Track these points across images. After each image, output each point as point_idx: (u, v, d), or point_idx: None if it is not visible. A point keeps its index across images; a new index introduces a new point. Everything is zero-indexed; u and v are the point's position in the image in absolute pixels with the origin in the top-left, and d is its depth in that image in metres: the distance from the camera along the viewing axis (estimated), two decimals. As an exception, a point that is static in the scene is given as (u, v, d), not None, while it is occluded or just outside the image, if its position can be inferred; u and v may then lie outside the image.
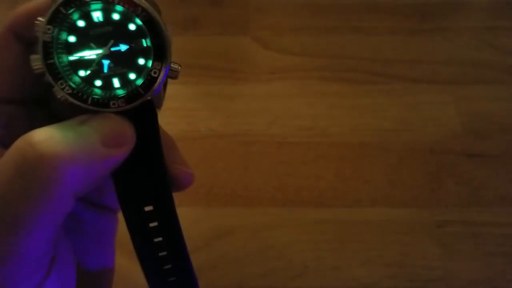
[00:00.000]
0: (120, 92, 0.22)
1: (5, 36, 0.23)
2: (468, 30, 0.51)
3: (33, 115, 0.24)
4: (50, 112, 0.25)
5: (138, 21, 0.21)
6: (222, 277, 0.39)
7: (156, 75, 0.22)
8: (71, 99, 0.21)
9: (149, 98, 0.22)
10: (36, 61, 0.21)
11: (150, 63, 0.22)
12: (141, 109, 0.22)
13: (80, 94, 0.21)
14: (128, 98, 0.22)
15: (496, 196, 0.43)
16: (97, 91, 0.22)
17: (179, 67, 0.22)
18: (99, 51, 0.21)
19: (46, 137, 0.19)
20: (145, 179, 0.23)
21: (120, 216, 0.24)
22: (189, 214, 0.33)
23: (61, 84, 0.21)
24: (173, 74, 0.22)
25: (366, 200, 0.42)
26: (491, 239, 0.41)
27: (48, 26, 0.21)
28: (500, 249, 0.40)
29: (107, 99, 0.21)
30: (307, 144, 0.45)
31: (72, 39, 0.21)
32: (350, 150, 0.45)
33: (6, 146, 0.21)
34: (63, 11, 0.21)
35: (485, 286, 0.39)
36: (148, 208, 0.23)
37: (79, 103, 0.21)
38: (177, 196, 0.24)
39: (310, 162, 0.44)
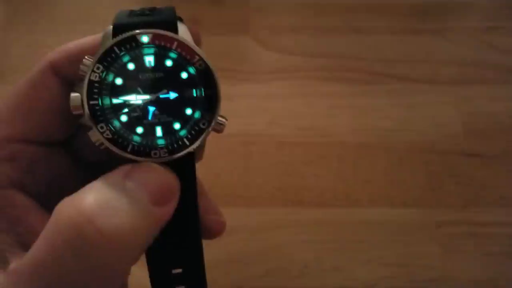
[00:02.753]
0: (160, 142, 0.20)
1: (44, 71, 0.22)
2: (469, 30, 0.51)
3: (55, 158, 0.23)
4: (72, 154, 0.23)
5: (192, 70, 0.21)
6: (222, 277, 0.39)
7: (204, 127, 0.21)
8: (109, 145, 0.20)
9: (192, 150, 0.21)
10: (76, 101, 0.20)
11: (198, 114, 0.21)
12: (182, 160, 0.21)
13: (120, 140, 0.20)
14: (170, 149, 0.20)
15: (496, 196, 0.43)
16: (136, 138, 0.20)
17: (226, 121, 0.21)
18: (146, 97, 0.20)
19: (99, 205, 0.17)
20: (178, 238, 0.21)
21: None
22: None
23: (101, 127, 0.20)
24: (219, 128, 0.21)
25: (366, 200, 0.42)
26: (491, 239, 0.41)
27: (98, 65, 0.20)
28: (500, 249, 0.40)
29: (148, 147, 0.20)
30: (307, 144, 0.45)
31: (119, 81, 0.20)
32: (350, 150, 0.45)
33: (26, 191, 0.20)
34: (117, 51, 0.20)
35: (485, 286, 0.39)
36: (176, 271, 0.22)
37: (118, 150, 0.20)
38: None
39: (310, 162, 0.44)
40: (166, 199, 0.19)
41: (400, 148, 0.45)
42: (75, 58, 0.21)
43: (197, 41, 0.21)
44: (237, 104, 0.47)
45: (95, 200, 0.17)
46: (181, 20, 0.21)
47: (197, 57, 0.20)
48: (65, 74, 0.22)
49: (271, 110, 0.47)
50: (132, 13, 0.22)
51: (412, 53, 0.50)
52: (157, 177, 0.19)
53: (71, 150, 0.23)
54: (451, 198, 0.42)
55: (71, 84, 0.21)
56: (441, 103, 0.47)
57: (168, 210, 0.19)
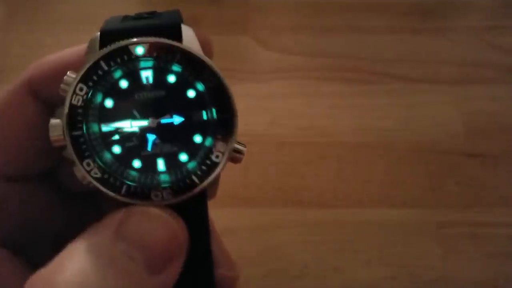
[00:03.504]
0: (163, 178, 0.16)
1: (20, 92, 0.17)
2: (469, 29, 0.51)
3: (32, 194, 0.19)
4: (55, 184, 0.20)
5: (200, 87, 0.17)
6: (222, 277, 0.39)
7: (218, 160, 0.17)
8: (98, 186, 0.16)
9: (203, 188, 0.17)
10: (57, 130, 0.16)
11: (209, 142, 0.17)
12: (190, 201, 0.17)
13: (111, 180, 0.16)
14: (176, 188, 0.16)
15: (497, 197, 0.43)
16: (133, 173, 0.16)
17: (244, 148, 0.18)
18: (143, 122, 0.16)
19: (79, 284, 0.13)
20: None
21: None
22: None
23: (88, 164, 0.16)
24: (236, 158, 0.17)
25: (366, 201, 0.42)
26: (492, 240, 0.41)
27: (81, 85, 0.16)
28: (501, 250, 0.40)
29: (148, 187, 0.16)
30: (307, 144, 0.45)
31: (109, 103, 0.16)
32: (350, 150, 0.45)
33: None
34: (104, 67, 0.16)
35: (486, 286, 0.39)
36: None
37: (109, 192, 0.16)
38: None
39: (310, 162, 0.44)
40: (168, 260, 0.15)
41: (400, 148, 0.45)
42: (57, 74, 0.17)
43: (208, 51, 0.18)
44: (236, 104, 0.47)
45: (73, 278, 0.13)
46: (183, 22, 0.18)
47: (206, 72, 0.17)
48: (45, 95, 0.18)
49: (271, 110, 0.47)
50: (126, 18, 0.18)
51: (412, 53, 0.50)
52: (157, 231, 0.15)
53: (53, 180, 0.20)
54: (452, 199, 0.42)
55: (53, 106, 0.17)
56: (441, 103, 0.47)
57: (170, 276, 0.15)
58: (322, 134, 0.46)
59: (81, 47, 0.17)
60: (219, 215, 0.42)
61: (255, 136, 0.45)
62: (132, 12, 0.19)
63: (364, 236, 0.41)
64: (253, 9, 0.53)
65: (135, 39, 0.16)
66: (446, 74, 0.49)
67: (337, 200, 0.42)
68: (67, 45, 0.19)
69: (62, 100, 0.16)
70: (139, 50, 0.16)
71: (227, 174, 0.43)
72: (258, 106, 0.47)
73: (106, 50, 0.16)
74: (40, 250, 0.16)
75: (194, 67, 0.16)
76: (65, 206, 0.20)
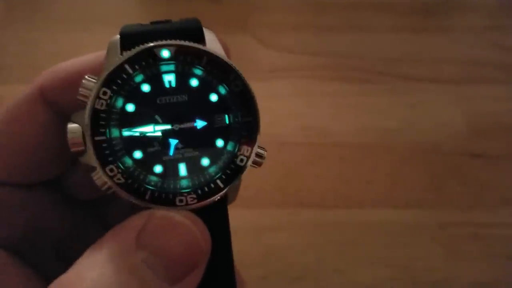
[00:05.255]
0: (184, 184, 0.16)
1: (31, 99, 0.17)
2: (471, 29, 0.51)
3: (36, 201, 0.18)
4: (61, 191, 0.19)
5: (223, 91, 0.17)
6: (221, 279, 0.38)
7: (242, 164, 0.17)
8: (121, 193, 0.15)
9: (227, 192, 0.17)
10: (77, 134, 0.15)
11: (232, 146, 0.17)
12: (212, 205, 0.16)
13: (135, 186, 0.15)
14: (200, 193, 0.16)
15: (499, 197, 0.42)
16: (154, 179, 0.16)
17: (265, 152, 0.18)
18: (166, 127, 0.16)
19: None
20: None
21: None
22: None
23: (111, 170, 0.15)
24: (258, 162, 0.18)
25: (368, 201, 0.42)
26: (494, 241, 0.40)
27: (104, 89, 0.15)
28: (503, 250, 0.40)
29: (172, 193, 0.16)
30: (307, 144, 0.45)
31: (130, 108, 0.16)
32: (352, 151, 0.44)
33: None
34: (129, 70, 0.15)
35: (488, 287, 0.38)
36: None
37: (134, 199, 0.15)
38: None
39: (311, 163, 0.44)
40: (189, 269, 0.15)
41: (403, 148, 0.44)
42: (70, 81, 0.17)
43: (228, 54, 0.18)
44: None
45: (94, 286, 0.13)
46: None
47: (233, 75, 0.17)
48: (58, 103, 0.17)
49: (271, 110, 0.47)
50: (143, 25, 0.17)
51: (414, 52, 0.50)
52: (178, 237, 0.15)
53: (58, 187, 0.19)
54: (454, 199, 0.42)
55: (64, 115, 0.17)
56: (444, 102, 0.47)
57: (191, 284, 0.15)
58: (323, 134, 0.45)
59: (94, 54, 0.17)
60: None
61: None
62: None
63: (365, 237, 0.40)
64: (253, 8, 0.52)
65: (160, 42, 0.16)
66: (448, 74, 0.49)
67: (338, 201, 0.42)
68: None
69: (80, 105, 0.16)
70: (165, 53, 0.16)
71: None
72: (258, 106, 0.47)
73: (132, 52, 0.15)
74: (42, 255, 0.16)
75: (220, 71, 0.16)
76: (69, 213, 0.20)
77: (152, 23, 0.17)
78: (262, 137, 0.45)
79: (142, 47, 0.15)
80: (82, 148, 0.15)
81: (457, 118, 0.46)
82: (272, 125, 0.46)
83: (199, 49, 0.16)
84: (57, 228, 0.18)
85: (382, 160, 0.44)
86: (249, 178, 0.42)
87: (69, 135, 0.15)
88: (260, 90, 0.49)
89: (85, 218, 0.17)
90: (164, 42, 0.16)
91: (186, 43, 0.16)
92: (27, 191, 0.18)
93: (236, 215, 0.41)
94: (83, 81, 0.15)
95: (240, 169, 0.17)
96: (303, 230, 0.41)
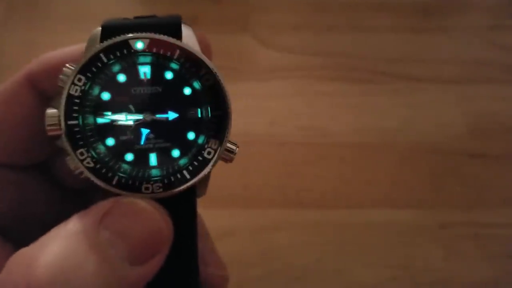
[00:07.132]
0: (154, 173, 0.17)
1: (20, 84, 0.18)
2: (472, 28, 0.51)
3: (27, 183, 0.19)
4: (50, 177, 0.20)
5: (197, 85, 0.17)
6: (221, 279, 0.38)
7: (210, 157, 0.17)
8: (90, 176, 0.16)
9: (193, 184, 0.17)
10: (53, 119, 0.16)
11: (202, 140, 0.17)
12: (179, 197, 0.17)
13: (104, 171, 0.16)
14: (166, 182, 0.17)
15: (499, 197, 0.42)
16: (125, 167, 0.17)
17: (237, 148, 0.18)
18: (139, 117, 0.17)
19: (59, 267, 0.13)
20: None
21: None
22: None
23: (81, 154, 0.16)
24: (227, 157, 0.18)
25: (367, 201, 0.42)
26: (494, 240, 0.40)
27: (79, 76, 0.16)
28: (503, 250, 0.40)
29: (139, 180, 0.16)
30: (307, 144, 0.45)
31: (106, 96, 0.17)
32: (352, 151, 0.44)
33: None
34: (104, 59, 0.16)
35: (488, 287, 0.38)
36: None
37: (100, 183, 0.16)
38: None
39: (311, 163, 0.44)
40: (151, 253, 0.15)
41: (403, 148, 0.44)
42: (56, 68, 0.17)
43: (206, 50, 0.18)
44: (236, 103, 0.46)
45: (54, 259, 0.14)
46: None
47: (204, 70, 0.17)
48: (44, 88, 0.18)
49: (271, 109, 0.47)
50: (126, 19, 0.18)
51: (414, 52, 0.50)
52: (142, 222, 0.15)
53: (48, 172, 0.20)
54: (454, 199, 0.42)
55: (51, 98, 0.18)
56: (444, 102, 0.47)
57: (150, 269, 0.15)
58: (322, 134, 0.45)
59: (82, 45, 0.18)
60: (219, 215, 0.42)
61: (255, 136, 0.45)
62: (132, 12, 0.19)
63: (365, 237, 0.40)
64: (253, 7, 0.52)
65: (135, 34, 0.16)
66: (449, 74, 0.49)
67: (337, 201, 0.42)
68: (64, 44, 0.19)
69: (60, 91, 0.16)
70: (139, 45, 0.16)
71: (227, 175, 0.43)
72: (258, 106, 0.47)
73: (108, 42, 0.16)
74: (29, 237, 0.16)
75: (192, 65, 0.17)
76: (57, 199, 0.20)
77: (135, 17, 0.18)
78: (261, 137, 0.45)
79: (117, 38, 0.16)
80: (58, 132, 0.16)
81: (457, 118, 0.46)
82: (272, 125, 0.46)
83: (171, 43, 0.17)
84: (45, 211, 0.19)
85: (382, 160, 0.44)
86: (249, 178, 0.42)
87: (47, 119, 0.16)
88: (260, 90, 0.49)
89: (74, 207, 0.17)
90: (138, 34, 0.16)
91: (160, 36, 0.17)
92: (16, 173, 0.19)
93: (236, 215, 0.41)
94: (64, 68, 0.16)
95: (207, 162, 0.17)
96: (303, 230, 0.41)
